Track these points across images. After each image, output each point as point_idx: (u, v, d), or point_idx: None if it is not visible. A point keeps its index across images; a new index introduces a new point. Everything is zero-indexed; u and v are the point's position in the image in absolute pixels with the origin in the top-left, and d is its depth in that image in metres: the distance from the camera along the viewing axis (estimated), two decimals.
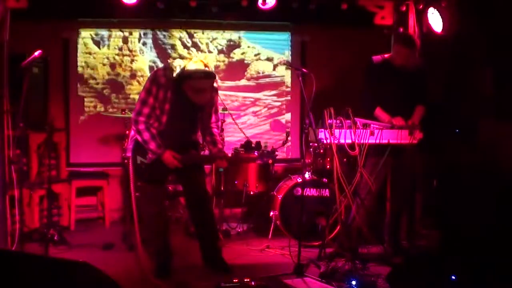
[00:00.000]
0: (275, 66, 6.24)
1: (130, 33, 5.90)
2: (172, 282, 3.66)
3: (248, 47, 6.17)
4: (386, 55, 4.44)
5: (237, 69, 6.18)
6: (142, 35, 5.93)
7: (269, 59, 6.22)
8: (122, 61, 5.91)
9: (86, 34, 5.81)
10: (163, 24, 5.92)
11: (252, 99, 6.23)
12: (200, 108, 3.80)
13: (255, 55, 6.20)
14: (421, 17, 4.90)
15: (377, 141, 4.02)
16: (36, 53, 4.05)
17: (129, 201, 4.96)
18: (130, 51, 5.92)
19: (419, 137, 4.11)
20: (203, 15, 5.63)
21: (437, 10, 4.75)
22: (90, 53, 5.84)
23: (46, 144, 4.64)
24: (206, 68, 3.63)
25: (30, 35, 5.14)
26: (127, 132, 4.93)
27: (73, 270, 2.54)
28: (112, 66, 5.90)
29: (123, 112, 5.19)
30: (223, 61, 6.12)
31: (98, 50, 5.86)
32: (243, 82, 6.20)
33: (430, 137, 4.28)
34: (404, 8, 4.89)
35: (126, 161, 4.42)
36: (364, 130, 3.99)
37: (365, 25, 5.19)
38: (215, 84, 3.87)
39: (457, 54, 5.23)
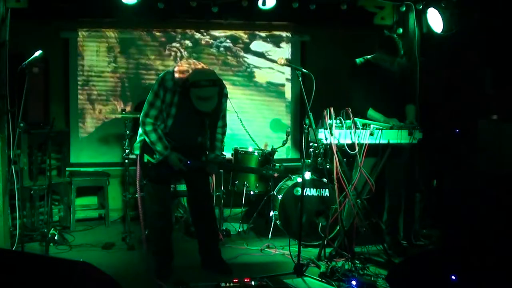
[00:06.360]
0: (274, 66, 6.23)
1: (130, 33, 5.89)
2: (172, 282, 3.66)
3: (248, 46, 6.17)
4: (368, 56, 4.45)
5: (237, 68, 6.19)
6: (142, 35, 5.92)
7: (268, 59, 6.21)
8: (122, 61, 5.90)
9: (86, 34, 5.81)
10: (163, 24, 5.91)
11: (251, 99, 6.23)
12: (207, 114, 3.79)
13: (255, 55, 6.19)
14: (421, 17, 4.90)
15: (377, 141, 4.02)
16: (36, 53, 4.06)
17: (133, 201, 4.97)
18: (131, 51, 5.91)
19: (419, 137, 4.10)
20: (203, 15, 5.63)
21: (437, 10, 4.75)
22: (90, 53, 5.84)
23: (46, 144, 4.64)
24: (212, 76, 3.63)
25: (30, 35, 5.14)
26: (127, 132, 4.92)
27: (73, 270, 2.54)
28: (112, 66, 5.90)
29: (123, 112, 5.18)
30: (223, 61, 6.12)
31: (98, 50, 5.85)
32: (242, 81, 6.20)
33: (430, 137, 4.28)
34: (404, 8, 4.89)
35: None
36: (364, 130, 3.99)
37: (365, 25, 5.19)
38: (225, 91, 3.88)
39: (457, 54, 5.23)
